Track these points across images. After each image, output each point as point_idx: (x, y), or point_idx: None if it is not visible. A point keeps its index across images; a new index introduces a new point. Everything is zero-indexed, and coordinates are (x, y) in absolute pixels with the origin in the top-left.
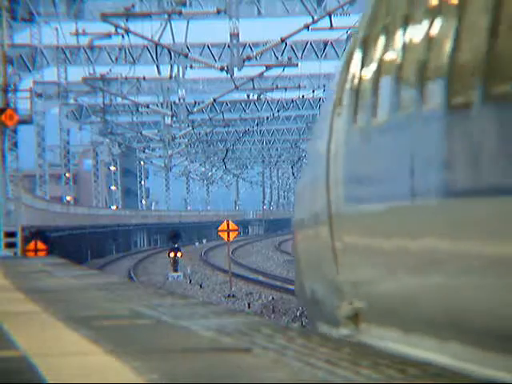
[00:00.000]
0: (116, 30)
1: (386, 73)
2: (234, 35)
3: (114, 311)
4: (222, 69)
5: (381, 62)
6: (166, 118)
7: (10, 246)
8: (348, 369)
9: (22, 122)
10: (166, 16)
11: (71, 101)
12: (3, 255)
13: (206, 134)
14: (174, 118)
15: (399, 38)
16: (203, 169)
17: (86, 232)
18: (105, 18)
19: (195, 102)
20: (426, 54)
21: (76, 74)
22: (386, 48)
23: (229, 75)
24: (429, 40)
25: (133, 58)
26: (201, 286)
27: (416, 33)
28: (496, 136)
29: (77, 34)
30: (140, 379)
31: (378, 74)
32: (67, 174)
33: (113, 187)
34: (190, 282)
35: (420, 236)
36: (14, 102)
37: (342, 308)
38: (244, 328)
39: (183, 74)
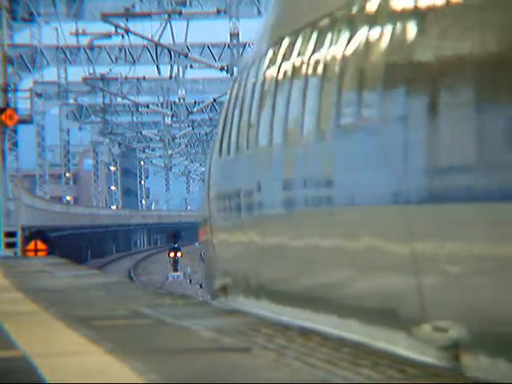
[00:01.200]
0: (116, 30)
1: (233, 126)
2: (234, 35)
3: (114, 311)
4: (221, 69)
5: (233, 118)
6: (165, 118)
7: (10, 245)
8: (348, 369)
9: (22, 121)
10: (165, 16)
11: (71, 101)
12: (3, 255)
13: (206, 134)
14: (174, 118)
15: (237, 105)
16: (203, 169)
17: (86, 232)
18: (105, 18)
19: (195, 102)
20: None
21: (76, 73)
22: (234, 110)
23: (229, 75)
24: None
25: (133, 58)
26: (201, 286)
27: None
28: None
29: (77, 34)
30: (140, 379)
31: (230, 125)
32: (67, 174)
33: (113, 187)
34: (190, 281)
35: (246, 235)
36: (14, 101)
37: (216, 283)
38: (244, 328)
39: (183, 74)
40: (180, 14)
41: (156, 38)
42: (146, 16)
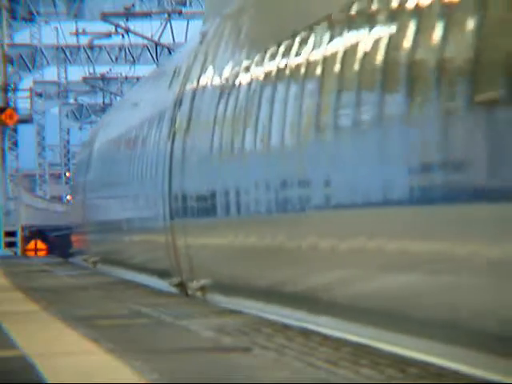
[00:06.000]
0: (116, 30)
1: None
2: None
3: (114, 311)
4: None
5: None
6: None
7: (10, 245)
8: (348, 369)
9: (22, 121)
10: (165, 15)
11: (71, 100)
12: (3, 254)
13: None
14: None
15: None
16: None
17: None
18: (105, 17)
19: None
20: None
21: (76, 73)
22: (99, 145)
23: None
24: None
25: (133, 58)
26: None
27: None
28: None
29: (77, 34)
30: (140, 379)
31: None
32: (67, 174)
33: None
34: None
35: (93, 234)
36: (14, 101)
37: (88, 257)
38: (244, 328)
39: None
40: (180, 13)
41: (156, 38)
42: (146, 16)
